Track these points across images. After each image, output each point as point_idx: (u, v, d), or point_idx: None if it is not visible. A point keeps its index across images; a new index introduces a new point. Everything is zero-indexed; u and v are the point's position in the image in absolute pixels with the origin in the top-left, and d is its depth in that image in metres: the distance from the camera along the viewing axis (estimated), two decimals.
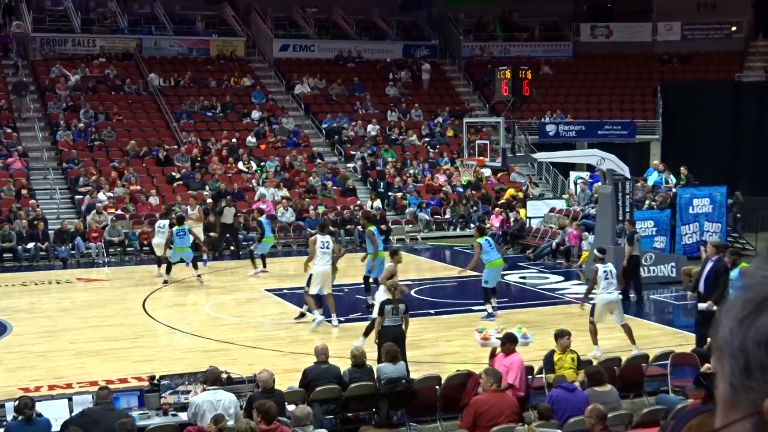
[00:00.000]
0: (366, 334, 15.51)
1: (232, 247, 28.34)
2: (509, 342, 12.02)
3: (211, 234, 28.58)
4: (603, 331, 15.83)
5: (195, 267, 23.58)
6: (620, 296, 16.23)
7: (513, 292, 22.63)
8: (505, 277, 23.52)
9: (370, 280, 19.36)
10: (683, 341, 16.24)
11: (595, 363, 13.12)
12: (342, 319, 18.72)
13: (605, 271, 15.80)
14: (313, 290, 17.67)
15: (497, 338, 12.71)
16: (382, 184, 33.94)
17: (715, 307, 14.65)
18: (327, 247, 17.85)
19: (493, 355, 12.56)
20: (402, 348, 13.43)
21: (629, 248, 20.36)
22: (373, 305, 19.48)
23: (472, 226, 29.40)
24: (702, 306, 14.98)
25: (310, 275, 17.84)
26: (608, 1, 46.44)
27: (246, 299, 21.75)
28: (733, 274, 14.48)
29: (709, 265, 14.93)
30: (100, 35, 39.94)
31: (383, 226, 30.36)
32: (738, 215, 29.29)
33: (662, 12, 44.97)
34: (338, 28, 44.32)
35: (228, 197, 29.59)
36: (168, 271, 23.54)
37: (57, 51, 38.75)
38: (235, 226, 28.15)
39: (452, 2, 45.48)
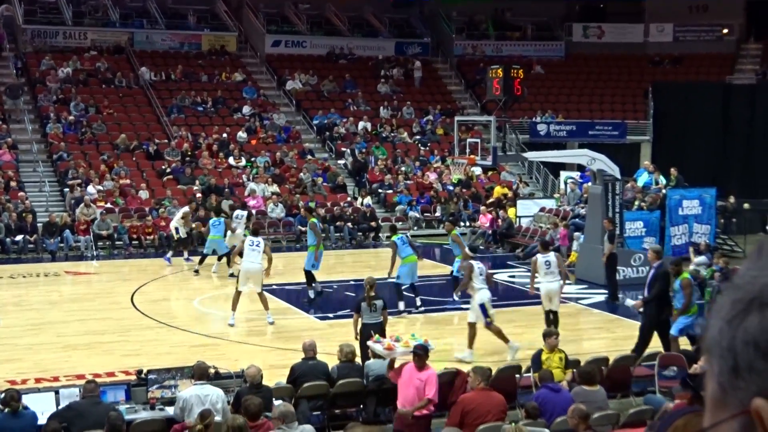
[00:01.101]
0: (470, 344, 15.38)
1: None
2: (425, 354, 11.04)
3: (202, 229, 28.48)
4: (591, 330, 15.87)
5: (228, 263, 23.50)
6: (561, 284, 16.30)
7: (501, 291, 22.62)
8: (494, 276, 23.54)
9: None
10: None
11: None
12: (331, 315, 18.78)
13: (546, 261, 16.03)
14: (240, 287, 17.85)
15: (404, 349, 11.92)
16: (359, 167, 34.10)
17: (641, 308, 14.79)
18: (257, 246, 17.90)
19: (391, 366, 11.62)
20: None
21: (609, 246, 20.46)
22: (312, 299, 19.77)
23: (462, 224, 29.49)
24: (629, 303, 15.23)
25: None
26: (601, 1, 46.53)
27: None
28: (675, 284, 14.46)
29: (652, 271, 15.04)
30: (92, 28, 39.82)
31: (373, 223, 30.38)
32: (733, 219, 29.37)
33: (654, 13, 45.04)
34: (330, 24, 44.27)
35: (226, 191, 29.93)
36: (201, 261, 23.93)
37: (48, 43, 38.61)
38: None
39: (445, 1, 45.47)
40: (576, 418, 9.03)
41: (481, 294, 15.24)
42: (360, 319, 13.96)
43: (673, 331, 14.41)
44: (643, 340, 14.52)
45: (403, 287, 18.94)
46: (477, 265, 15.51)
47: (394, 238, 19.25)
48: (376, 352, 12.17)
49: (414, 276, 19.01)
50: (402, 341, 12.28)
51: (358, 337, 13.84)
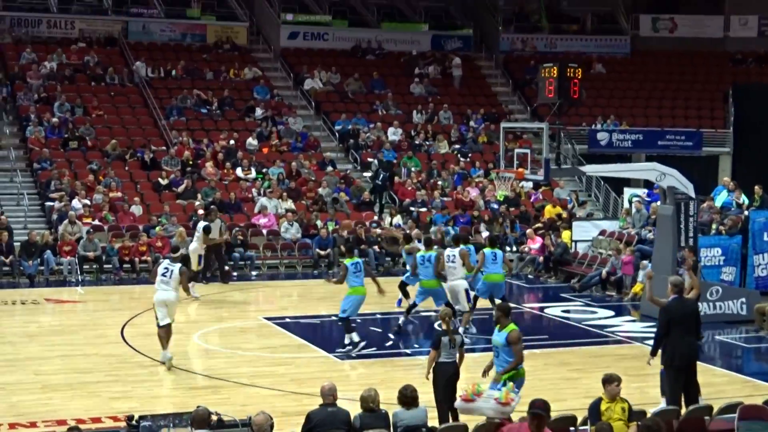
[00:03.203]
0: None
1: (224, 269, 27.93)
2: (547, 413, 10.04)
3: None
4: (631, 378, 15.77)
5: None
6: None
7: (554, 328, 22.53)
8: (545, 310, 23.47)
9: None
10: (754, 391, 16.16)
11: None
12: (353, 354, 18.78)
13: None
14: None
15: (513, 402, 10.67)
16: (381, 174, 34.25)
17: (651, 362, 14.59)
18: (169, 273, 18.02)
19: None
20: (454, 389, 13.48)
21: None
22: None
23: (507, 249, 29.41)
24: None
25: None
26: None
27: (241, 328, 21.76)
28: (498, 338, 13.34)
29: None
30: (80, 16, 40.20)
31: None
32: None
33: (736, 4, 44.88)
34: (356, 13, 44.46)
35: (213, 207, 28.63)
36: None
37: (30, 33, 38.97)
38: (221, 244, 27.36)
39: None
40: None
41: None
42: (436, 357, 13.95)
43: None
44: (672, 396, 14.36)
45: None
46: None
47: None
48: (483, 412, 10.75)
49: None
50: (508, 393, 11.18)
51: (430, 377, 13.83)
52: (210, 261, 27.42)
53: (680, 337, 14.36)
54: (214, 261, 27.47)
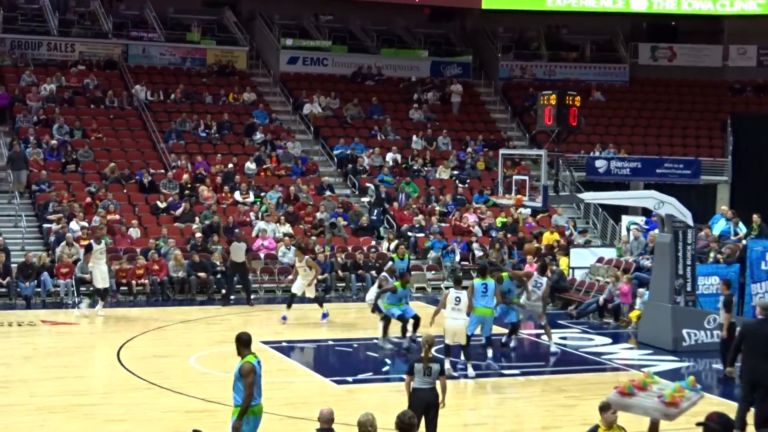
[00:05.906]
0: None
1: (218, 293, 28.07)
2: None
3: (200, 274, 28.63)
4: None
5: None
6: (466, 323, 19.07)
7: (551, 354, 22.49)
8: (542, 337, 23.40)
9: None
10: (750, 419, 16.09)
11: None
12: (350, 379, 18.72)
13: (457, 297, 19.01)
14: None
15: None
16: (374, 211, 34.22)
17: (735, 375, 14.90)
18: None
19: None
20: (433, 417, 13.37)
21: (726, 316, 19.87)
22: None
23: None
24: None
25: None
26: (672, 18, 46.53)
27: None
28: (235, 370, 12.65)
29: None
30: (80, 39, 40.22)
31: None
32: None
33: (735, 33, 45.01)
34: (356, 39, 44.54)
35: (237, 231, 29.70)
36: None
37: (30, 56, 39.03)
38: (246, 266, 28.07)
39: (489, 14, 45.59)
40: None
41: (447, 322, 19.02)
42: (412, 383, 13.84)
43: None
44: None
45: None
46: (455, 294, 19.11)
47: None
48: (644, 410, 10.00)
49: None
50: (658, 388, 10.42)
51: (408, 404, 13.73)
52: (232, 282, 28.25)
53: (748, 356, 14.62)
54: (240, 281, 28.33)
